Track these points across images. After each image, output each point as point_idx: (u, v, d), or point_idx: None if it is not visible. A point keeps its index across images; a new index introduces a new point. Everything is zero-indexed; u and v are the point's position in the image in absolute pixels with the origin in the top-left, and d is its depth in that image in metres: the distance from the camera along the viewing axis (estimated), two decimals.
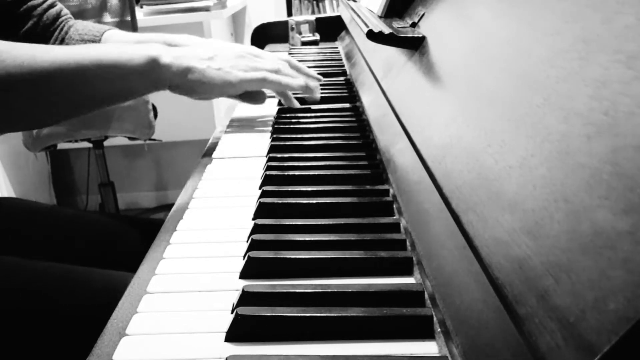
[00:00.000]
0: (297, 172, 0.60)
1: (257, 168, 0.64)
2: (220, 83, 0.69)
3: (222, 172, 0.64)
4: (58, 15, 0.89)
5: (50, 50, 0.60)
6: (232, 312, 0.38)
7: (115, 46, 0.68)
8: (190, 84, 0.67)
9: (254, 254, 0.43)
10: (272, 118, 0.82)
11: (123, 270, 0.66)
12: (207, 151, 0.72)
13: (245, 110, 0.88)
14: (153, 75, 0.65)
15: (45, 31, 0.88)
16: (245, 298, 0.38)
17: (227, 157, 0.68)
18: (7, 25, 0.87)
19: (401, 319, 0.36)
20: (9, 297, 0.60)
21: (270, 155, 0.66)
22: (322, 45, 1.34)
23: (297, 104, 0.81)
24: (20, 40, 0.87)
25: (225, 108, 0.95)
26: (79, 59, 0.60)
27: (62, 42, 0.88)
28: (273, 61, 0.75)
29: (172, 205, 0.57)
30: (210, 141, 0.76)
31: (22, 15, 0.86)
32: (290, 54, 1.17)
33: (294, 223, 0.49)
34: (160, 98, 1.84)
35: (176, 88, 0.68)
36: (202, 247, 0.47)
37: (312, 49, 1.29)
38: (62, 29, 0.89)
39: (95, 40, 0.88)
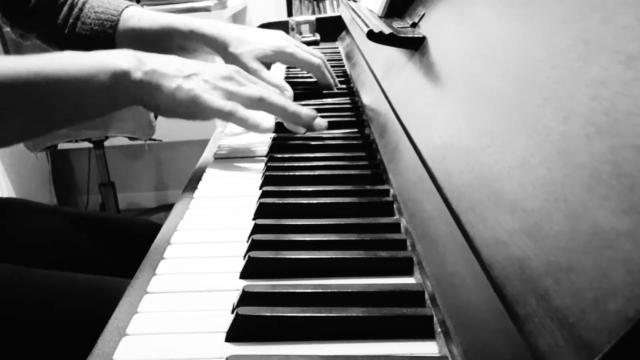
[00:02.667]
0: (297, 172, 0.60)
1: (257, 168, 0.64)
2: (186, 106, 0.61)
3: (222, 171, 0.64)
4: None
5: (4, 61, 0.54)
6: (232, 312, 0.38)
7: (80, 57, 0.59)
8: (157, 103, 0.61)
9: (255, 254, 0.43)
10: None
11: (123, 270, 0.66)
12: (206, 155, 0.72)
13: None
14: (120, 91, 0.59)
15: (53, 5, 0.86)
16: (246, 298, 0.38)
17: (228, 157, 0.68)
18: (16, 1, 0.86)
19: (401, 319, 0.36)
20: (8, 300, 0.60)
21: (271, 155, 0.66)
22: (322, 45, 1.34)
23: (300, 131, 0.70)
24: (29, 16, 0.87)
25: None
26: (33, 70, 0.54)
27: (77, 19, 0.86)
28: (258, 89, 0.65)
29: (172, 205, 0.57)
30: (210, 142, 0.77)
31: None
32: None
33: (294, 223, 0.49)
34: None
35: (142, 104, 0.61)
36: (202, 247, 0.47)
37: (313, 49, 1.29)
38: (74, 4, 0.87)
39: (113, 19, 0.85)
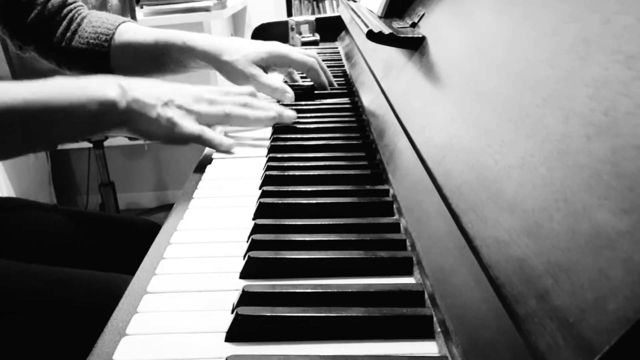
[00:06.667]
0: (297, 172, 0.60)
1: (257, 168, 0.64)
2: (166, 133, 0.65)
3: (222, 172, 0.64)
4: (64, 3, 0.88)
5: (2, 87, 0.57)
6: (232, 312, 0.38)
7: (68, 85, 0.62)
8: (140, 129, 0.65)
9: (254, 254, 0.43)
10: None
11: (124, 270, 0.66)
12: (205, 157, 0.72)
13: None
14: (105, 119, 0.62)
15: (51, 20, 0.87)
16: (245, 298, 0.38)
17: (228, 157, 0.68)
18: (14, 14, 0.87)
19: (401, 319, 0.36)
20: (8, 300, 0.60)
21: (270, 155, 0.66)
22: (322, 45, 1.34)
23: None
24: (28, 29, 0.87)
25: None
26: (29, 99, 0.58)
27: (74, 33, 0.87)
28: (222, 108, 0.70)
29: (172, 205, 0.57)
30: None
31: (27, 3, 0.86)
32: None
33: (294, 223, 0.49)
34: None
35: (125, 130, 0.65)
36: (202, 247, 0.47)
37: (312, 49, 1.29)
38: (72, 19, 0.88)
39: (108, 33, 0.87)
